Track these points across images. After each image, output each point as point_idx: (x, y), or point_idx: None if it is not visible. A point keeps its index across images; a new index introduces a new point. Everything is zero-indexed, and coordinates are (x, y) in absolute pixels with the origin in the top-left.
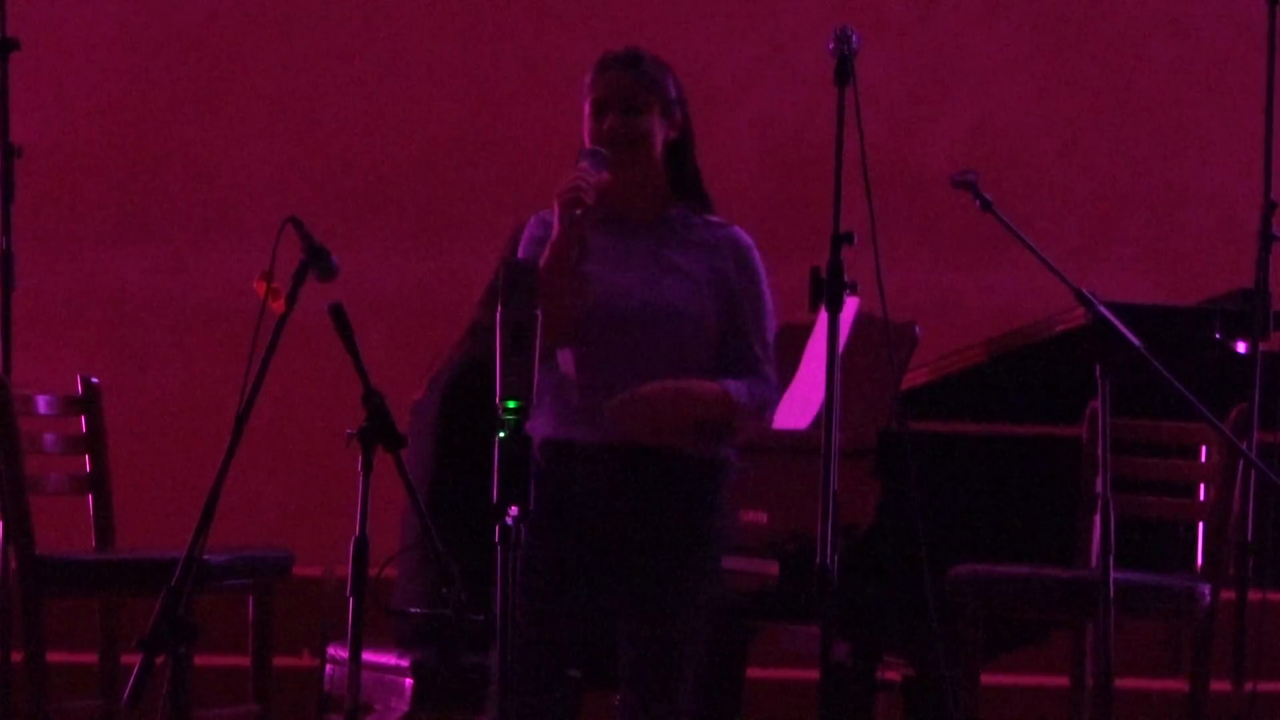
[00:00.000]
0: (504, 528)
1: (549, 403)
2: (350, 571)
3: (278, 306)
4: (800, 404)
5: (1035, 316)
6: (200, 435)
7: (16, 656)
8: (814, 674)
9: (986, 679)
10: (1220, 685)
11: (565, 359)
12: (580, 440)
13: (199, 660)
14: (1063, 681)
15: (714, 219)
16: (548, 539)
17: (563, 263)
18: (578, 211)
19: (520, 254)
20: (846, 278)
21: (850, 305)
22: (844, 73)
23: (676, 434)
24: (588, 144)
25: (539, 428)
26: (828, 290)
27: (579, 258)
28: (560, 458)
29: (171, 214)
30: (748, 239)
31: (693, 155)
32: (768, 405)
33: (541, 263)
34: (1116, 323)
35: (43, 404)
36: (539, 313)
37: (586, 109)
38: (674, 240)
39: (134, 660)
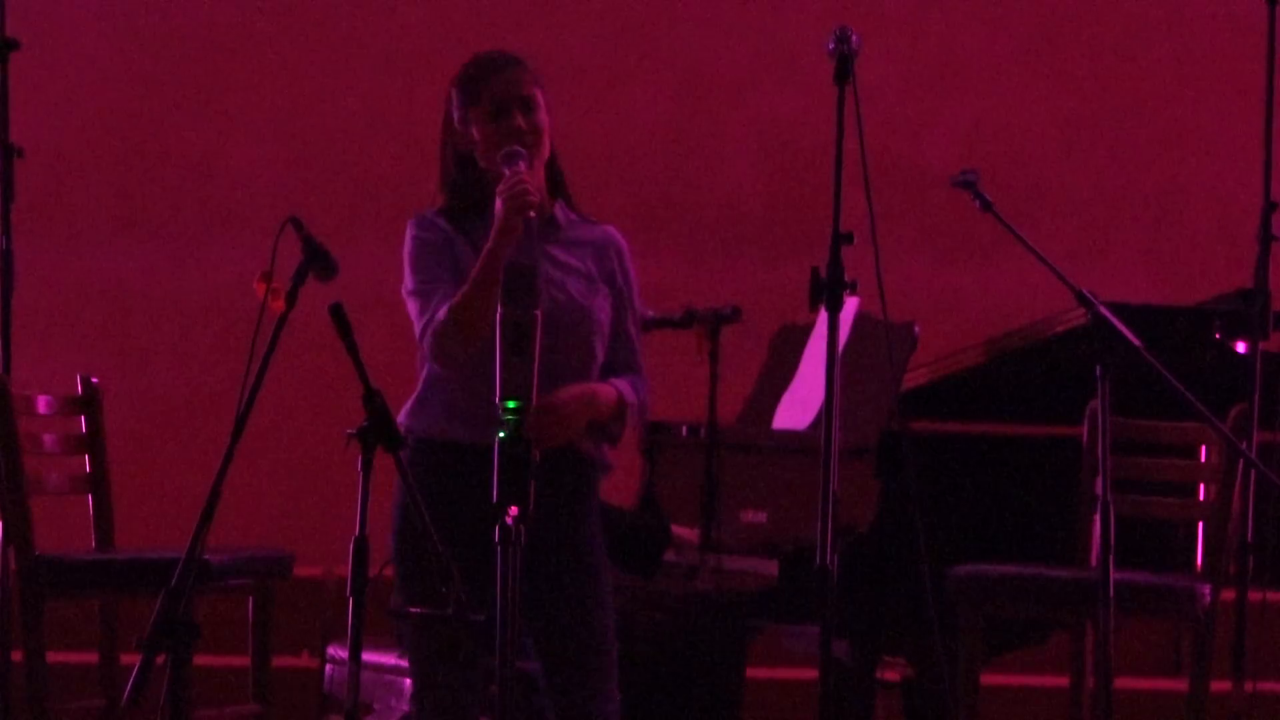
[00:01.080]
0: (504, 528)
1: (443, 401)
2: (350, 571)
3: (278, 306)
4: (800, 404)
5: (1035, 316)
6: (200, 435)
7: (16, 656)
8: (814, 674)
9: (986, 679)
10: (1220, 685)
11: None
12: (475, 442)
13: (199, 660)
14: (1063, 681)
15: (589, 218)
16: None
17: (499, 264)
18: (531, 215)
19: (414, 258)
20: (846, 278)
21: (850, 305)
22: (844, 73)
23: (576, 436)
24: (483, 150)
25: (428, 426)
26: (828, 290)
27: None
28: (456, 459)
29: (171, 214)
30: (622, 238)
31: (558, 151)
32: (647, 403)
33: (479, 266)
34: (1116, 323)
35: (43, 404)
36: (537, 314)
37: (479, 113)
38: (561, 239)
39: (134, 660)
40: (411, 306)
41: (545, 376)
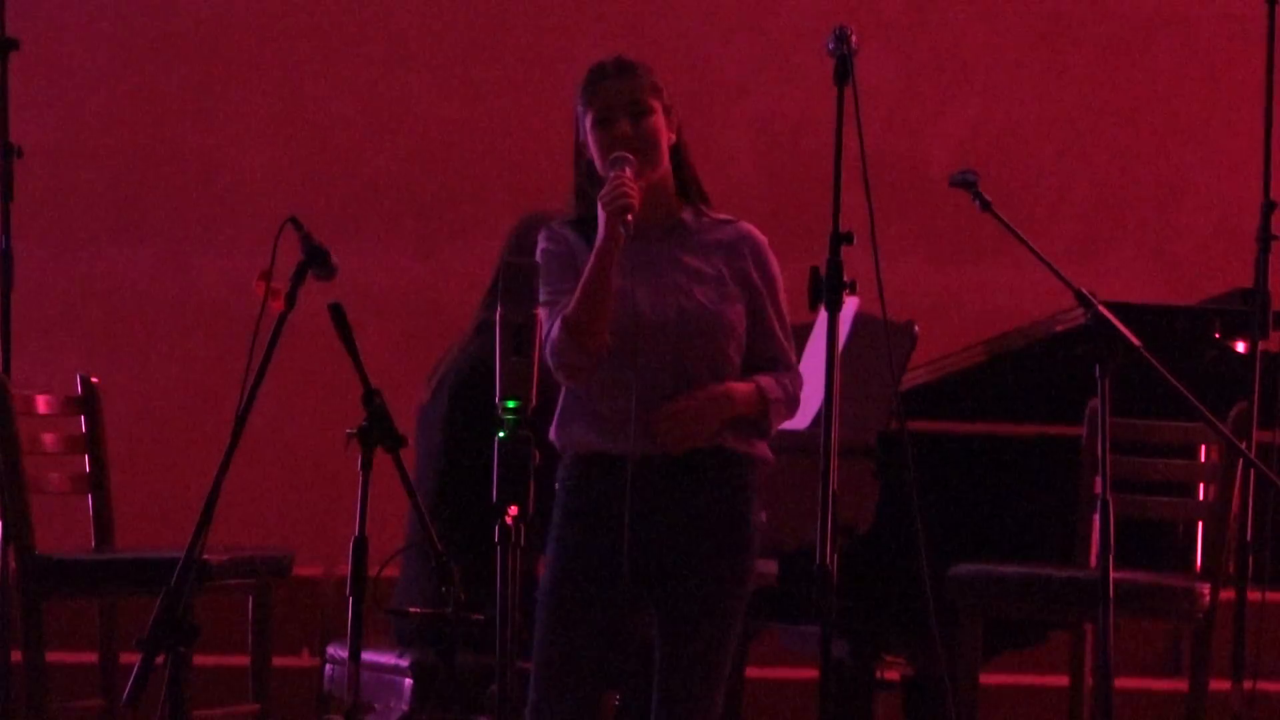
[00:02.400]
0: (503, 527)
1: (588, 414)
2: (350, 571)
3: (277, 306)
4: (800, 404)
5: (1035, 316)
6: (200, 435)
7: (16, 656)
8: (814, 674)
9: (986, 679)
10: (1220, 685)
11: (605, 370)
12: (618, 451)
13: (199, 660)
14: (1063, 681)
15: (721, 217)
16: (603, 553)
17: (607, 272)
18: (629, 218)
19: (543, 271)
20: (846, 278)
21: (850, 305)
22: (844, 73)
23: (717, 433)
24: (597, 158)
25: (578, 440)
26: (827, 290)
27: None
28: (609, 470)
29: (171, 214)
30: (759, 233)
31: (690, 156)
32: (797, 396)
33: (586, 274)
34: (1117, 323)
35: (43, 404)
36: (537, 314)
37: (589, 121)
38: (691, 244)
39: (134, 660)
40: (541, 319)
41: (677, 382)
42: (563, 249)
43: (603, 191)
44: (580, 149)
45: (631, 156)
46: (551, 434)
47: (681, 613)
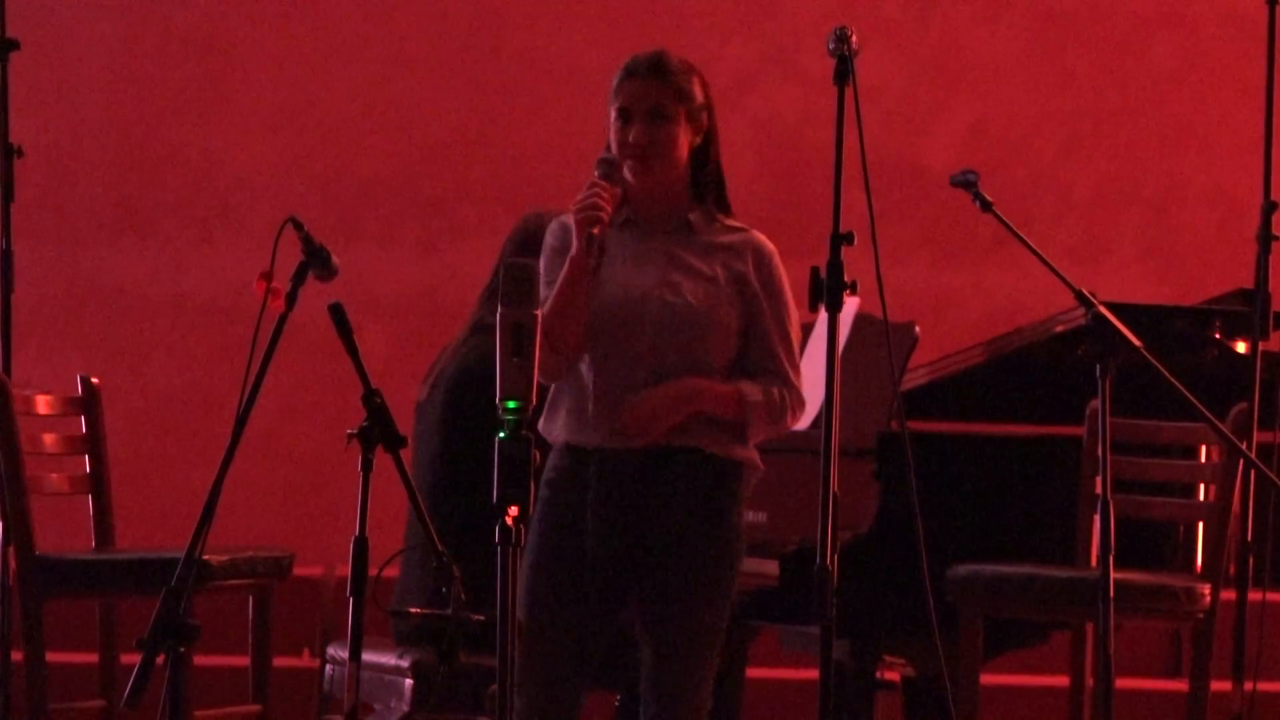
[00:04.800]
0: (504, 527)
1: (567, 407)
2: (350, 571)
3: (278, 306)
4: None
5: (1035, 316)
6: (200, 435)
7: (16, 656)
8: (814, 674)
9: (986, 679)
10: (1220, 685)
11: (584, 363)
12: (596, 445)
13: (199, 660)
14: (1063, 681)
15: (732, 222)
16: (569, 546)
17: (581, 278)
18: (595, 230)
19: (545, 267)
20: (846, 278)
21: (850, 305)
22: (844, 73)
23: (690, 433)
24: (614, 147)
25: (557, 433)
26: (827, 290)
27: (596, 267)
28: (579, 462)
29: (171, 214)
30: (768, 244)
31: (716, 157)
32: (787, 407)
33: (560, 279)
34: (1117, 323)
35: (43, 404)
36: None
37: (612, 114)
38: (690, 243)
39: (134, 660)
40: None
41: (652, 376)
42: (561, 242)
43: (577, 198)
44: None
45: (616, 160)
46: (540, 426)
47: (657, 611)
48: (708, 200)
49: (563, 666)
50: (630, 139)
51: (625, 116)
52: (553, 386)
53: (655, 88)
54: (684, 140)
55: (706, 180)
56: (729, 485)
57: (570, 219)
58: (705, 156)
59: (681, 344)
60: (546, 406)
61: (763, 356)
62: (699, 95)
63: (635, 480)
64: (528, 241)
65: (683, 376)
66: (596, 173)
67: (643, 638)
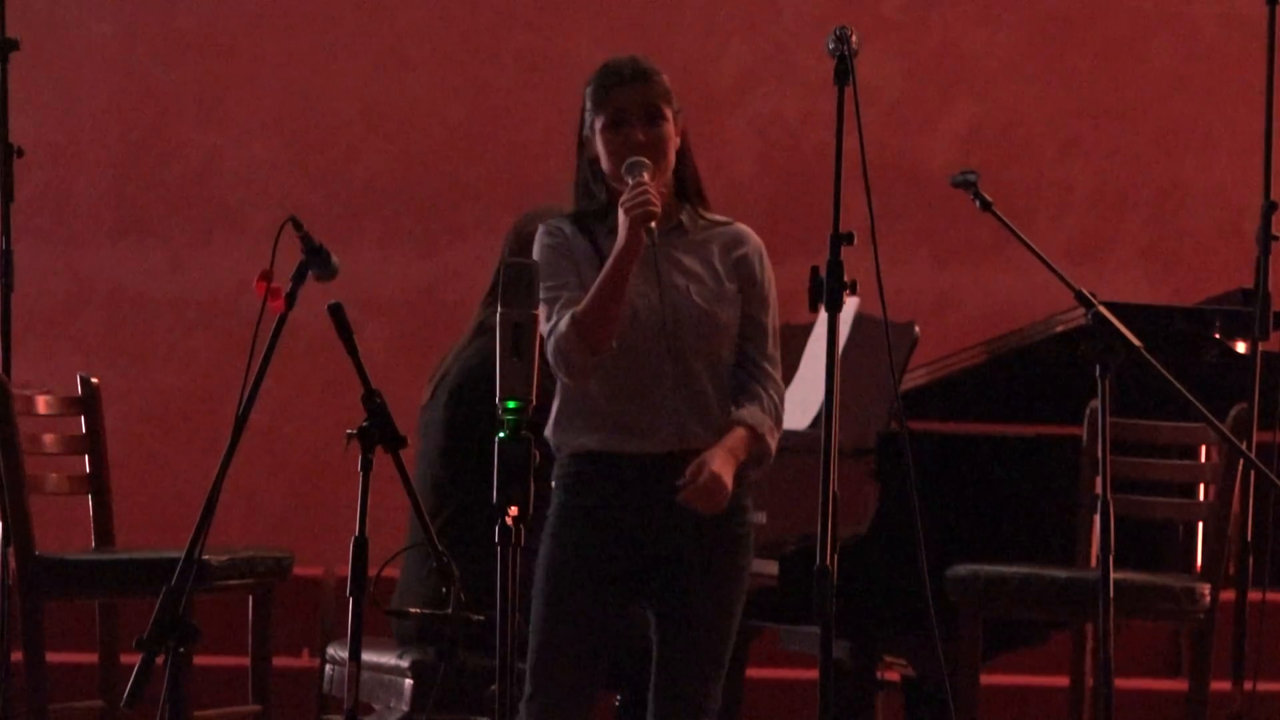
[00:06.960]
0: (504, 527)
1: (582, 413)
2: (350, 571)
3: (277, 306)
4: (799, 404)
5: (1035, 316)
6: (200, 435)
7: (16, 656)
8: (814, 674)
9: (986, 679)
10: (1220, 685)
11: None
12: (617, 450)
13: (199, 660)
14: (1063, 681)
15: (717, 218)
16: (586, 551)
17: (625, 275)
18: (652, 224)
19: (542, 265)
20: (846, 278)
21: (850, 305)
22: (844, 73)
23: (704, 436)
24: (605, 160)
25: (572, 439)
26: (827, 290)
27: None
28: (598, 469)
29: (171, 214)
30: (753, 235)
31: (692, 157)
32: (780, 404)
33: (603, 275)
34: (1117, 323)
35: (43, 404)
36: (537, 314)
37: (600, 123)
38: (686, 245)
39: (134, 660)
40: (540, 314)
41: (675, 383)
42: (561, 243)
43: (624, 197)
44: (584, 144)
45: (647, 161)
46: (548, 432)
47: (679, 610)
48: (691, 198)
49: (580, 671)
50: (635, 141)
51: (618, 123)
52: (561, 392)
53: (645, 90)
54: (674, 141)
55: (687, 177)
56: (740, 487)
57: (554, 219)
58: (685, 157)
59: (700, 348)
60: (558, 412)
61: (753, 348)
62: (673, 94)
63: (653, 483)
64: (527, 242)
65: (706, 379)
66: (632, 176)
67: (657, 639)
